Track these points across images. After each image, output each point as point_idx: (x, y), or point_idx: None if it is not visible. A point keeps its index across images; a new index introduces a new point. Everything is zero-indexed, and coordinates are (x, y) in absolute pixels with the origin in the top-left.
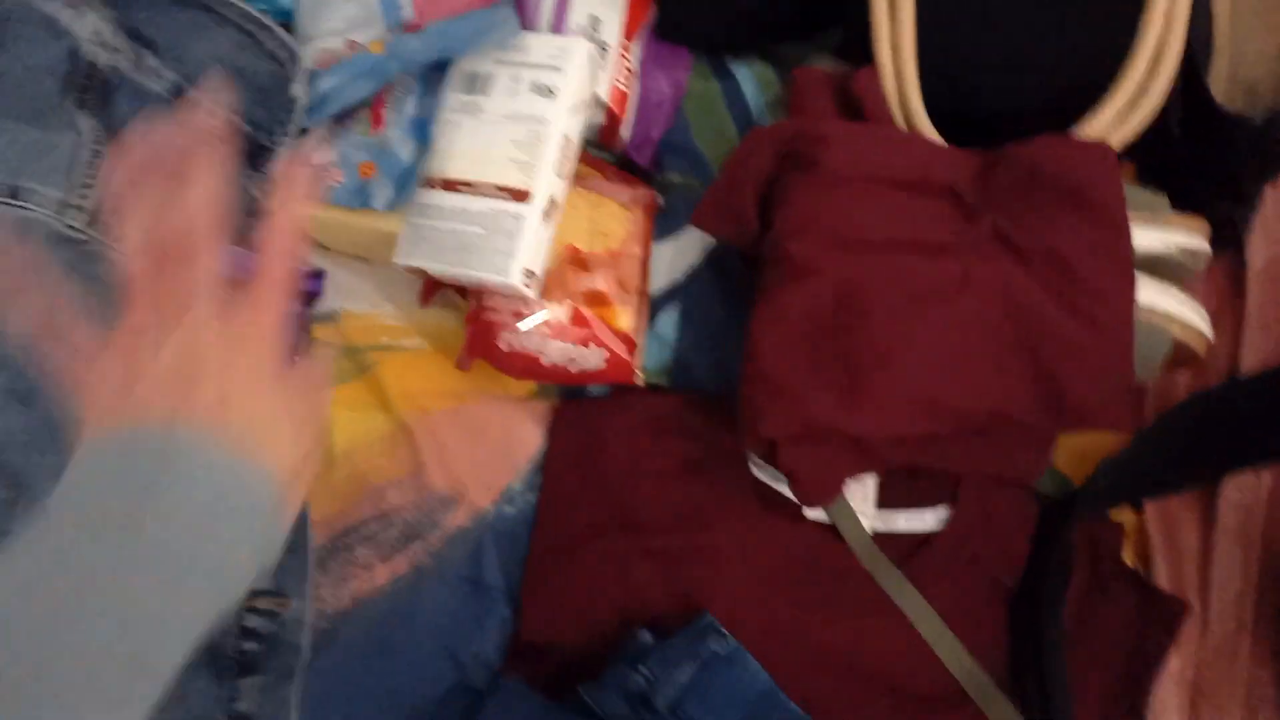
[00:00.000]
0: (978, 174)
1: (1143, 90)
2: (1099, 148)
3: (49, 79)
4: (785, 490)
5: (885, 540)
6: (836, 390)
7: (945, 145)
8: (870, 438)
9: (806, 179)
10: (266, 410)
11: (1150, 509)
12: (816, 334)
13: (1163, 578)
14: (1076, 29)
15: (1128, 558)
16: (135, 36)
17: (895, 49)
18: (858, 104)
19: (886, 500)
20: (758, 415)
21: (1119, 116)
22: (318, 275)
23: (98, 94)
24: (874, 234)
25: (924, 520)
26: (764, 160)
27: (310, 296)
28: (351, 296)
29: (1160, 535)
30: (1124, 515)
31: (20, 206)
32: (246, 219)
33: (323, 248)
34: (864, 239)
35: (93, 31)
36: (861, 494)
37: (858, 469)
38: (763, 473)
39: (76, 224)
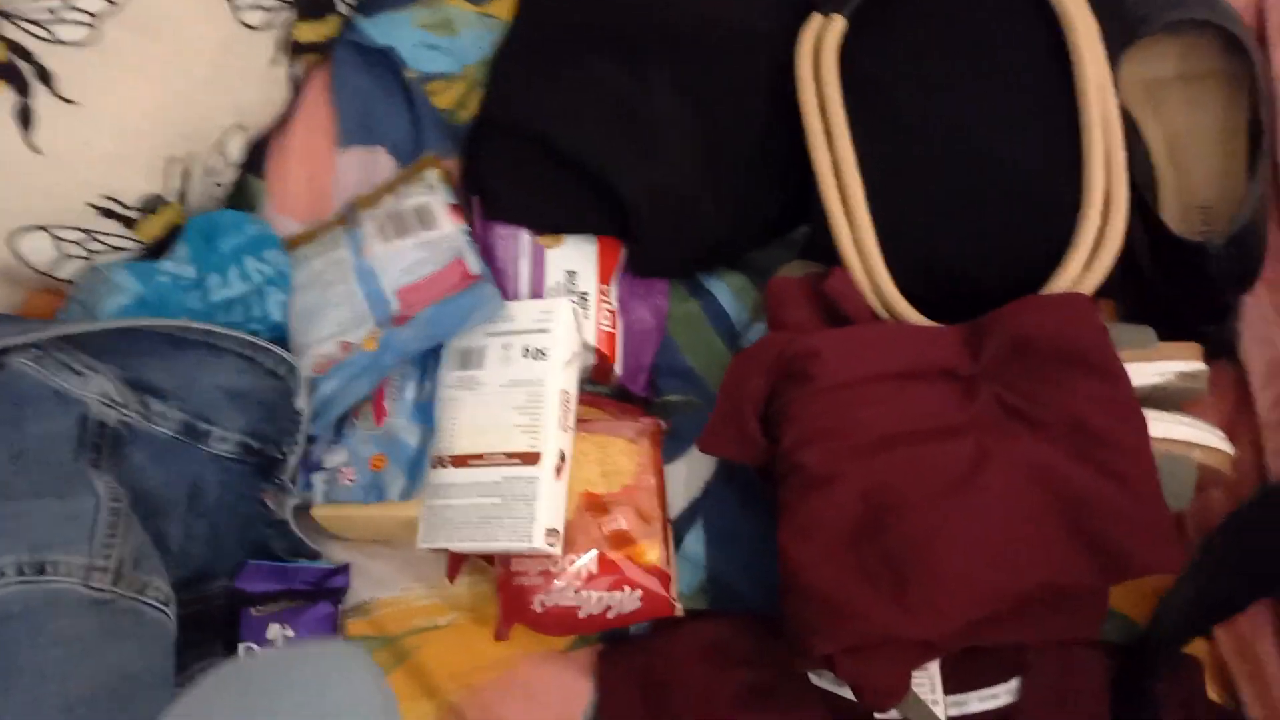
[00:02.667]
0: (965, 348)
1: (1101, 237)
2: (1073, 300)
3: (63, 446)
4: (850, 695)
5: None
6: (885, 594)
7: (931, 325)
8: (928, 636)
9: (805, 392)
10: None
11: (1221, 635)
12: (852, 541)
13: (1253, 706)
14: (1027, 191)
15: (1212, 692)
16: (141, 386)
17: (859, 246)
18: (835, 305)
19: (954, 685)
20: (809, 632)
21: (1085, 266)
22: (342, 570)
23: (110, 450)
24: (884, 430)
25: (997, 697)
26: (758, 382)
27: (338, 593)
28: (380, 584)
29: (1238, 660)
30: (1197, 647)
31: (49, 581)
32: (264, 529)
33: (343, 539)
34: (875, 437)
35: (100, 393)
36: (928, 684)
37: (918, 662)
38: (823, 680)
39: (102, 585)
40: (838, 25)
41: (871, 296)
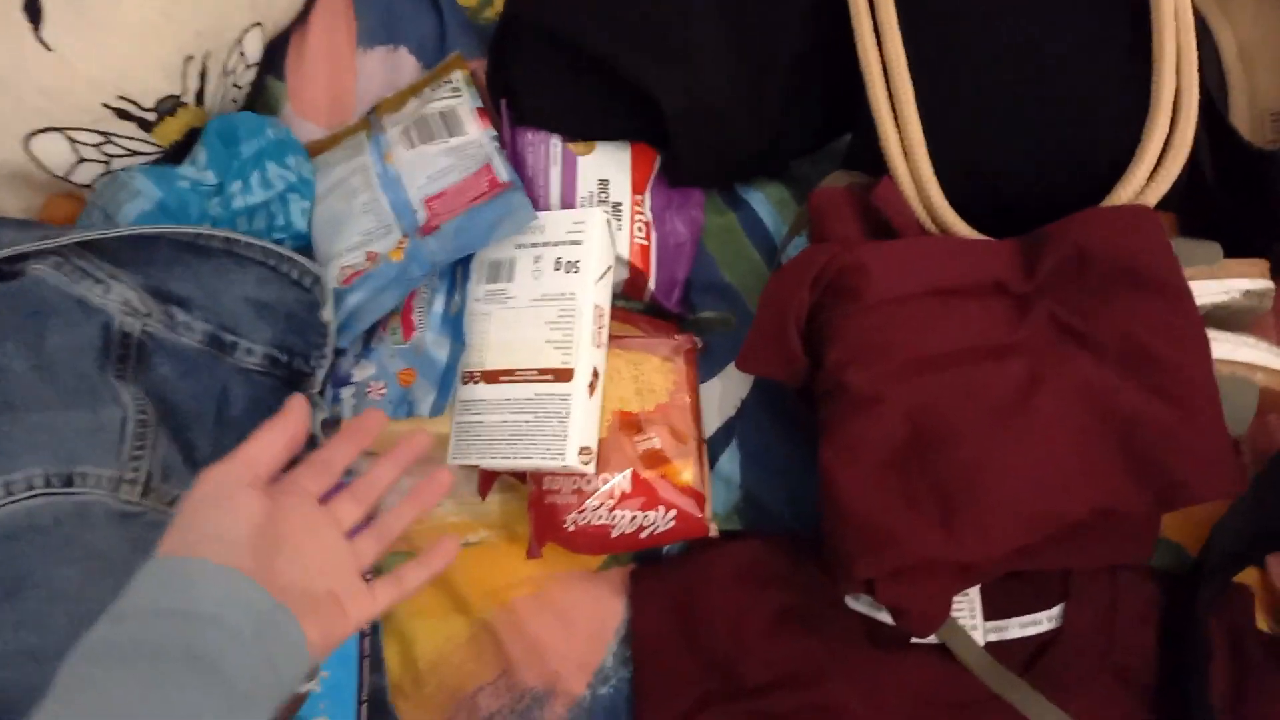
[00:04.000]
0: (1021, 263)
1: (1169, 144)
2: (1140, 213)
3: (87, 357)
4: (888, 618)
5: (1002, 651)
6: (930, 520)
7: (981, 239)
8: (974, 560)
9: (850, 309)
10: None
11: (1274, 563)
12: (897, 464)
13: None
14: (1090, 95)
15: (1261, 622)
16: (164, 296)
17: (908, 153)
18: (881, 216)
19: (995, 610)
20: (851, 558)
21: (1150, 175)
22: None
23: (134, 360)
24: (932, 350)
25: (1039, 623)
26: (802, 296)
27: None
28: None
29: None
30: (1247, 575)
31: (76, 493)
32: None
33: (371, 454)
34: (923, 357)
35: (122, 302)
36: (968, 609)
37: (960, 588)
38: (860, 604)
39: (131, 498)
40: None
41: (919, 208)
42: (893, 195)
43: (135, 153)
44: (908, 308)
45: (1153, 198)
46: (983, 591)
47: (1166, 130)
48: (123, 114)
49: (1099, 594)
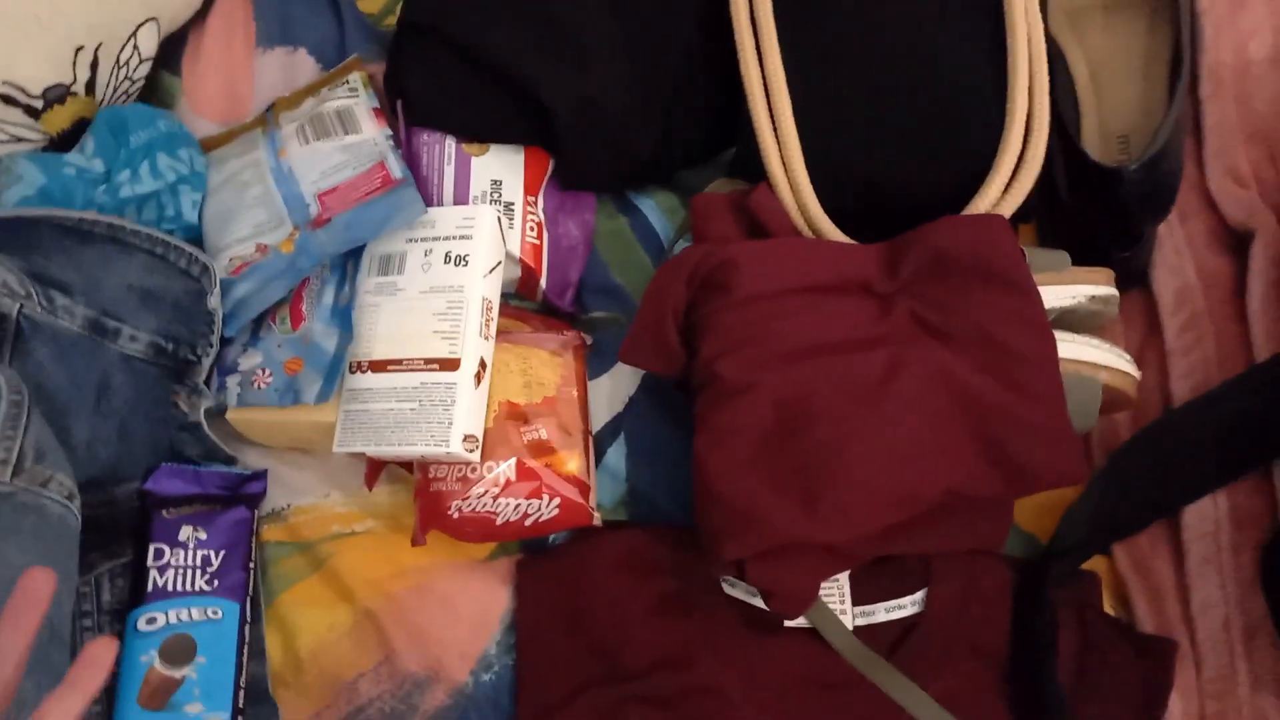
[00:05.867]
0: (886, 265)
1: (1022, 160)
2: (992, 220)
3: None
4: (761, 603)
5: (870, 634)
6: (795, 501)
7: (851, 243)
8: (836, 541)
9: (722, 303)
10: None
11: (1119, 552)
12: (764, 449)
13: (1146, 620)
14: (954, 110)
15: (1108, 606)
16: (44, 280)
17: (786, 163)
18: (758, 220)
19: (862, 596)
20: (719, 538)
21: (1005, 189)
22: (259, 476)
23: (11, 343)
24: (799, 342)
25: (904, 608)
26: (678, 292)
27: (254, 499)
28: (297, 491)
29: (1135, 576)
30: (1096, 563)
31: None
32: (177, 433)
33: (261, 445)
34: (791, 349)
35: None
36: (837, 594)
37: (828, 571)
38: (736, 590)
39: (2, 477)
40: None
41: (796, 215)
42: (767, 200)
43: (20, 139)
44: (777, 303)
45: (1007, 209)
46: (851, 578)
47: (1019, 148)
48: (7, 99)
49: (958, 579)
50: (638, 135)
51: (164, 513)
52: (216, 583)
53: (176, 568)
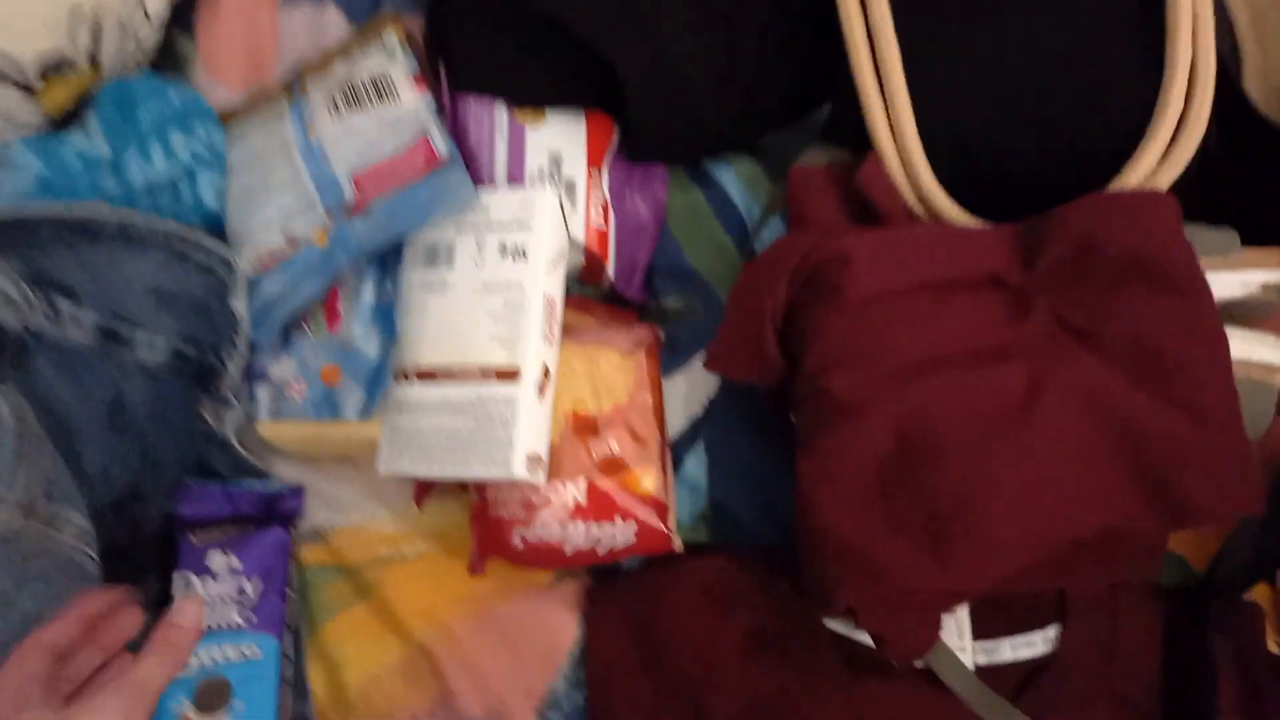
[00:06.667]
0: (1019, 253)
1: (1183, 119)
2: (1152, 199)
3: None
4: (868, 641)
5: (993, 675)
6: (921, 545)
7: (975, 226)
8: (965, 589)
9: (833, 305)
10: None
11: None
12: (883, 481)
13: None
14: (1099, 63)
15: (1272, 642)
16: (47, 284)
17: (894, 127)
18: (865, 198)
19: (985, 629)
20: (831, 585)
21: (1162, 155)
22: (295, 492)
23: (12, 361)
24: (922, 352)
25: (1033, 645)
26: (778, 290)
27: (290, 516)
28: (339, 508)
29: None
30: (1256, 591)
31: None
32: (204, 446)
33: (298, 458)
34: (912, 360)
35: None
36: (956, 628)
37: (949, 608)
38: (837, 623)
39: (7, 519)
40: None
41: (905, 188)
42: (879, 177)
43: (17, 122)
44: (895, 304)
45: (1165, 180)
46: (971, 609)
47: (1182, 103)
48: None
49: (1098, 614)
50: (715, 99)
51: (192, 537)
52: (253, 616)
53: (209, 602)
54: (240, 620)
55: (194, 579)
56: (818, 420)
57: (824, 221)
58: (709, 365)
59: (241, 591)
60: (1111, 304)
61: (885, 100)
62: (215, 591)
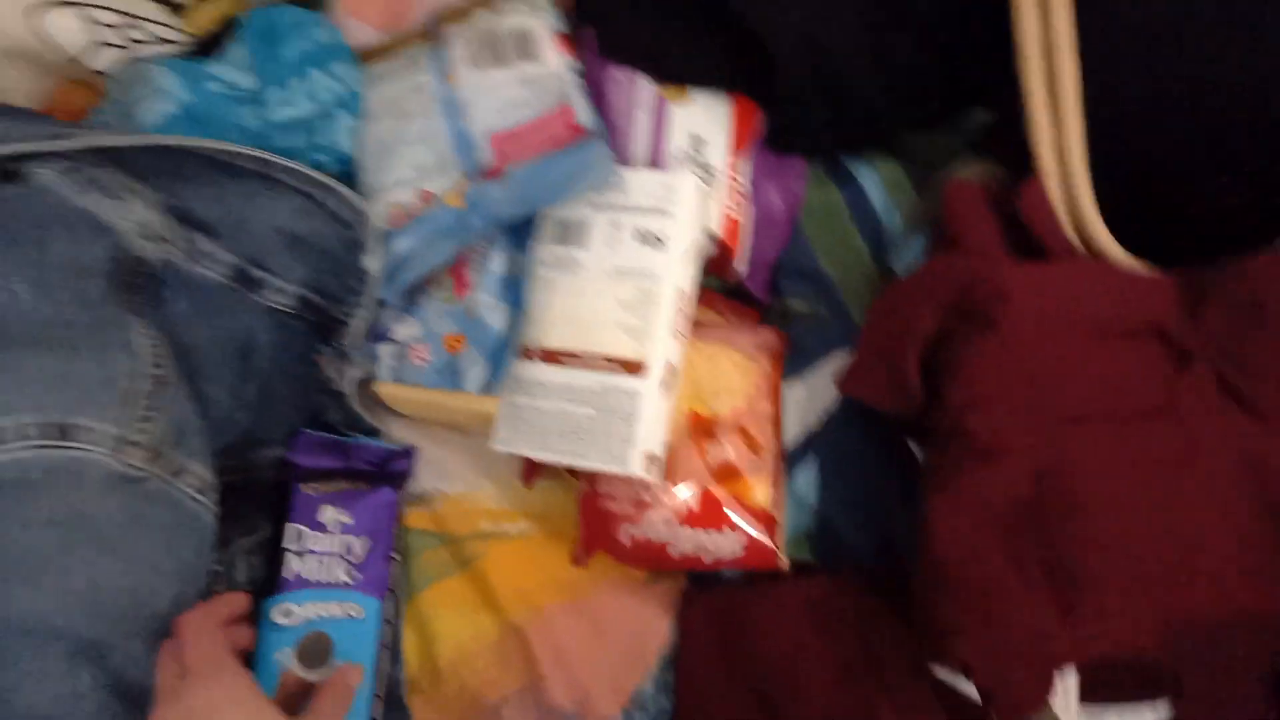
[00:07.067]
0: (1183, 304)
1: None
2: None
3: (94, 282)
4: (971, 691)
5: None
6: (1044, 593)
7: (1141, 272)
8: (1090, 648)
9: (985, 341)
10: None
11: None
12: (1014, 527)
13: None
14: None
15: None
16: (187, 219)
17: (1060, 153)
18: (1028, 229)
19: (1091, 693)
20: (951, 631)
21: None
22: (406, 453)
23: (148, 293)
24: (1073, 399)
25: (1142, 716)
26: (927, 317)
27: (400, 477)
28: (446, 476)
29: None
30: None
31: (73, 447)
32: (319, 396)
33: (410, 420)
34: (1062, 407)
35: (138, 223)
36: (1061, 691)
37: (1062, 667)
38: (944, 671)
39: (136, 461)
40: None
41: (1064, 217)
42: (1042, 207)
43: (162, 40)
44: (1051, 346)
45: None
46: (1080, 671)
47: None
48: None
49: (1217, 691)
50: (868, 88)
51: (304, 488)
52: (359, 575)
53: (317, 554)
54: (346, 578)
55: (306, 532)
56: (954, 457)
57: (979, 244)
58: (842, 387)
59: (349, 549)
60: (1277, 370)
61: (1055, 122)
62: (324, 546)
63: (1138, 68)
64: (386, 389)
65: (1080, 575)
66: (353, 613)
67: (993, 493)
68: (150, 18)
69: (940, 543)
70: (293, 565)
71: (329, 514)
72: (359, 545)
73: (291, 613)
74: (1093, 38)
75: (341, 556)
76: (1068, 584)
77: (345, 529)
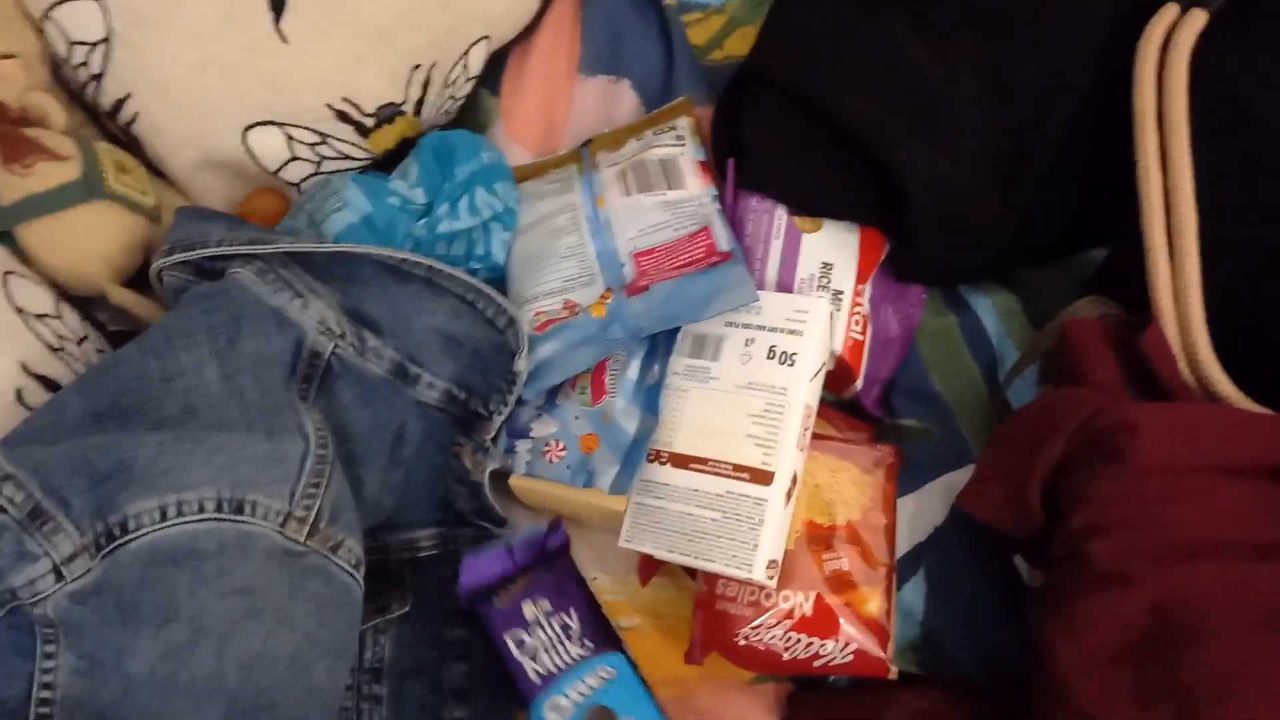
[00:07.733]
0: None
1: None
2: None
3: (276, 372)
4: None
5: None
6: None
7: (1262, 412)
8: None
9: (1112, 472)
10: None
11: None
12: (1133, 657)
13: None
14: None
15: None
16: (358, 317)
17: (1178, 297)
18: (1147, 365)
19: None
20: None
21: None
22: (554, 528)
23: (320, 382)
24: (1195, 534)
25: None
26: (1056, 447)
27: (564, 548)
28: None
29: None
30: None
31: (244, 522)
32: (452, 484)
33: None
34: (1186, 540)
35: (318, 320)
36: None
37: None
38: None
39: (297, 536)
40: (1197, 21)
41: (1180, 356)
42: (1163, 346)
43: (347, 156)
44: (1175, 482)
45: None
46: None
47: None
48: (343, 116)
49: None
50: (997, 225)
51: (498, 602)
52: (589, 643)
53: (544, 648)
54: (582, 651)
55: (523, 635)
56: (1073, 584)
57: (1101, 379)
58: (963, 503)
59: (566, 627)
60: None
61: (1173, 265)
62: (545, 638)
63: (1257, 217)
64: (521, 482)
65: (1198, 702)
66: (605, 675)
67: (1111, 619)
68: (341, 137)
69: (1058, 663)
70: (529, 669)
71: (530, 610)
72: (571, 619)
73: (560, 705)
74: (1212, 188)
75: (563, 638)
76: (1184, 711)
77: (550, 613)
